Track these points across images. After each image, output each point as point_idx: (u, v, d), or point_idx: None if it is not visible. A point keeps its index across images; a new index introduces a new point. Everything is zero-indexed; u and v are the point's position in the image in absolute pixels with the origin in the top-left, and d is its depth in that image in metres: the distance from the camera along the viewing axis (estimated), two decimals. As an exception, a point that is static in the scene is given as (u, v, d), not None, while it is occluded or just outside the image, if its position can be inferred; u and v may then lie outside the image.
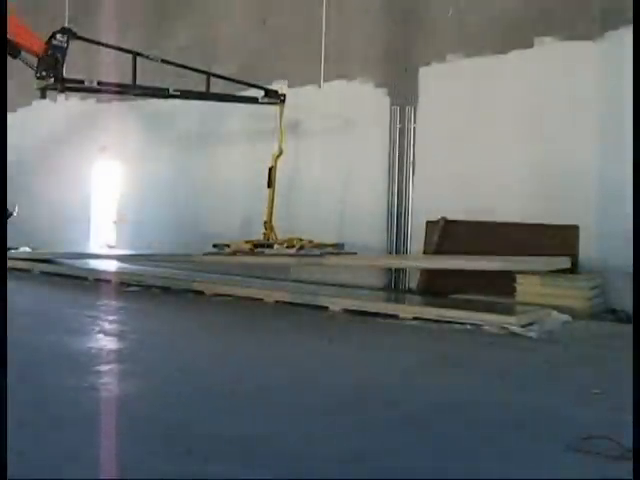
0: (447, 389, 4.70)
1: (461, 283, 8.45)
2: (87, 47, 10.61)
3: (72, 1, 12.68)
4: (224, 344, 6.15)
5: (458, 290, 8.39)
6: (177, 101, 11.37)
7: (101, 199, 12.90)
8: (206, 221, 10.89)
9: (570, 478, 3.21)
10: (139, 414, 3.97)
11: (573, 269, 8.06)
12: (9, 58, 7.73)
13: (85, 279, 10.12)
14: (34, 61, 8.27)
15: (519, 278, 7.92)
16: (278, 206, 9.59)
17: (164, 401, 4.28)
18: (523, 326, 6.75)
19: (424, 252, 9.12)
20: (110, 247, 12.56)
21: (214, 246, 9.62)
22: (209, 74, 9.25)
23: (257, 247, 9.34)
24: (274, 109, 9.62)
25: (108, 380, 4.81)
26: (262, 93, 9.61)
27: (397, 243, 9.59)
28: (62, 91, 8.77)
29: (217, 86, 9.51)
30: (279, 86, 10.02)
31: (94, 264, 11.31)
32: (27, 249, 12.26)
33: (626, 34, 7.22)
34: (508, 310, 7.35)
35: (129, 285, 9.56)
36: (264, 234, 9.51)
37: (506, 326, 6.73)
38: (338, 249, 9.41)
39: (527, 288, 7.87)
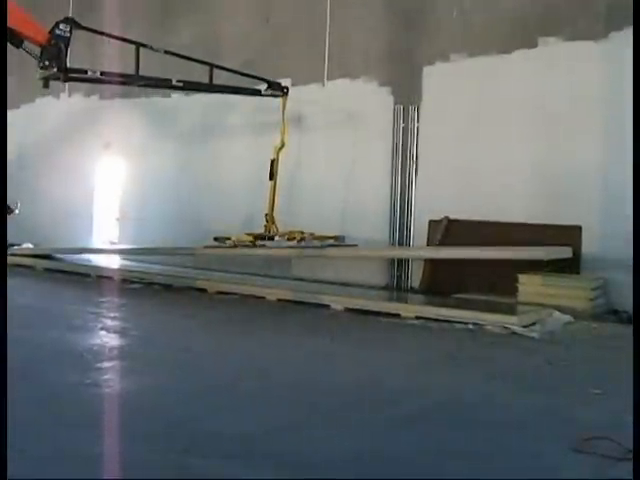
0: (447, 389, 4.71)
1: (463, 283, 8.45)
2: (91, 43, 10.69)
3: (76, -2, 12.69)
4: (225, 342, 6.15)
5: (460, 290, 8.38)
6: (180, 98, 11.43)
7: (104, 196, 12.90)
8: (209, 219, 10.88)
9: (570, 478, 3.22)
10: (140, 411, 3.98)
11: (575, 269, 8.06)
12: (10, 56, 7.70)
13: (87, 276, 10.13)
14: (37, 51, 8.25)
15: (521, 278, 7.91)
16: (280, 204, 9.60)
17: (165, 399, 4.29)
18: (525, 326, 6.75)
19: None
20: (112, 244, 12.57)
21: (215, 239, 9.64)
22: (212, 65, 9.23)
23: (258, 239, 9.36)
24: (277, 107, 9.61)
25: (110, 377, 4.82)
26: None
27: (400, 242, 9.58)
28: (65, 81, 8.72)
29: (220, 81, 9.52)
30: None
31: (96, 261, 11.33)
32: (30, 245, 12.28)
33: (630, 35, 7.20)
34: (510, 310, 7.34)
35: (131, 282, 9.56)
36: (265, 227, 9.53)
37: (508, 326, 6.73)
38: (339, 241, 9.44)
39: (529, 288, 7.86)
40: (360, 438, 3.66)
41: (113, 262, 11.36)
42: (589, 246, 8.06)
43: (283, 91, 9.59)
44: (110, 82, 9.65)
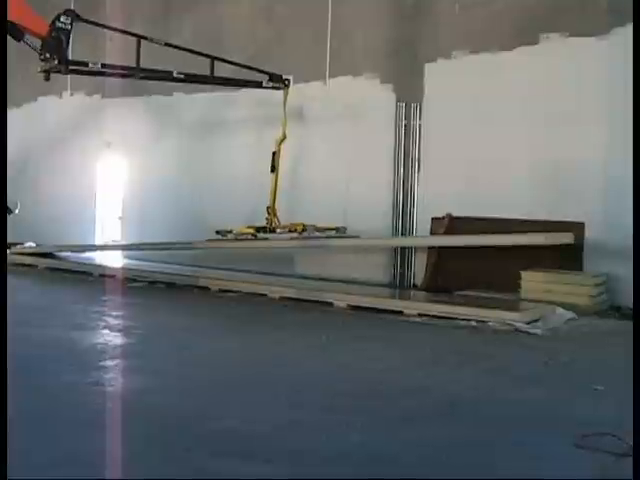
0: (450, 385, 4.71)
1: (466, 280, 8.44)
2: (93, 41, 10.70)
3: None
4: (228, 340, 6.15)
5: (463, 287, 8.37)
6: (181, 96, 11.42)
7: (106, 195, 12.90)
8: (211, 216, 10.86)
9: (570, 478, 3.22)
10: (142, 410, 3.99)
11: (578, 266, 8.05)
12: (11, 54, 7.70)
13: (90, 274, 10.13)
14: (38, 44, 8.21)
15: (524, 275, 7.91)
16: (282, 204, 9.61)
17: (168, 397, 4.29)
18: (528, 323, 6.75)
19: (429, 247, 9.11)
20: (115, 242, 12.56)
21: (217, 232, 9.64)
22: (213, 57, 9.23)
23: (260, 232, 9.36)
24: (279, 102, 9.59)
25: (113, 376, 4.83)
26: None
27: (402, 239, 9.58)
28: (66, 73, 8.68)
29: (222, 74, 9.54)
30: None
31: (99, 260, 11.33)
32: (32, 244, 12.28)
33: (632, 30, 7.19)
34: (513, 307, 7.35)
35: (134, 280, 9.57)
36: (267, 219, 9.54)
37: (511, 323, 6.73)
38: (340, 233, 9.44)
39: (532, 285, 7.86)
40: (360, 434, 3.67)
41: (116, 261, 11.36)
42: (592, 242, 8.05)
43: (284, 83, 9.60)
44: (111, 75, 9.60)
